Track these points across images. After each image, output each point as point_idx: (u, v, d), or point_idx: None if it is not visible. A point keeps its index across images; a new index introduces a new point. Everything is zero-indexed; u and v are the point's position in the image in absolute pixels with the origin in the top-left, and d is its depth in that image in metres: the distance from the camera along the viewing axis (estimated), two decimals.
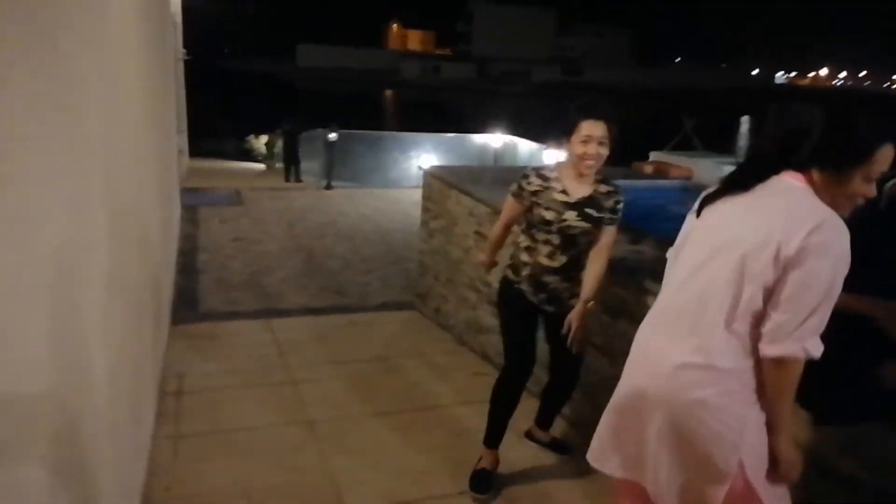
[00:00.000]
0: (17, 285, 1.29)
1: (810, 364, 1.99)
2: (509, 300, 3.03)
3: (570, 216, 2.81)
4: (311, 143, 13.53)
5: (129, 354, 2.53)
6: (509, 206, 3.05)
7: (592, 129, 2.67)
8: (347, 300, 5.92)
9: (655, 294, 2.94)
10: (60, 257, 1.58)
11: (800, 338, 1.69)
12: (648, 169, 6.49)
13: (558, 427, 3.48)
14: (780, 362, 1.72)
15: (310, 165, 13.48)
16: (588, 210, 2.82)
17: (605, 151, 2.72)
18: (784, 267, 1.69)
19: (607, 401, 3.37)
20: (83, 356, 1.76)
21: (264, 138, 16.56)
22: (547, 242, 2.87)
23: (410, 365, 4.45)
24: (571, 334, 2.84)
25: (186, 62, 12.15)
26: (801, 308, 1.68)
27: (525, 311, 2.99)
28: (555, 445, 3.36)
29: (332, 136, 11.75)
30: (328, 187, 11.35)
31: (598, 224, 2.84)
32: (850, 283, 1.99)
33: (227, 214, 8.94)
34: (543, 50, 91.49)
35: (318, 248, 7.66)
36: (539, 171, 2.91)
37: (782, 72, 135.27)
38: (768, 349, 1.72)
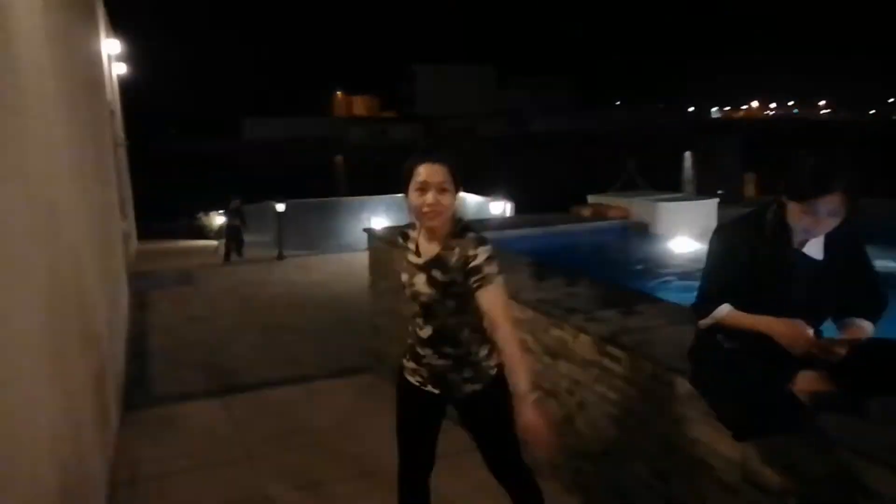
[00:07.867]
0: None
1: (728, 383, 2.10)
2: (398, 387, 2.56)
3: (419, 281, 2.34)
4: (262, 216, 13.55)
5: (64, 452, 2.49)
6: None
7: (430, 174, 2.23)
8: (303, 370, 5.89)
9: (592, 333, 3.05)
10: None
11: None
12: (587, 212, 6.64)
13: None
14: None
15: (261, 238, 13.46)
16: (434, 273, 2.30)
17: (447, 200, 2.26)
18: None
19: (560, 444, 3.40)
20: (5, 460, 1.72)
21: (213, 216, 16.55)
22: (414, 312, 2.43)
23: (369, 428, 4.43)
24: (534, 442, 2.05)
25: (130, 147, 12.16)
26: None
27: (413, 404, 2.50)
28: None
29: (280, 206, 11.83)
30: (280, 257, 11.35)
31: (446, 290, 2.28)
32: (748, 305, 2.13)
33: (177, 295, 8.86)
34: (487, 105, 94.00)
35: (271, 320, 7.63)
36: (405, 229, 2.50)
37: (716, 107, 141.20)
38: None
